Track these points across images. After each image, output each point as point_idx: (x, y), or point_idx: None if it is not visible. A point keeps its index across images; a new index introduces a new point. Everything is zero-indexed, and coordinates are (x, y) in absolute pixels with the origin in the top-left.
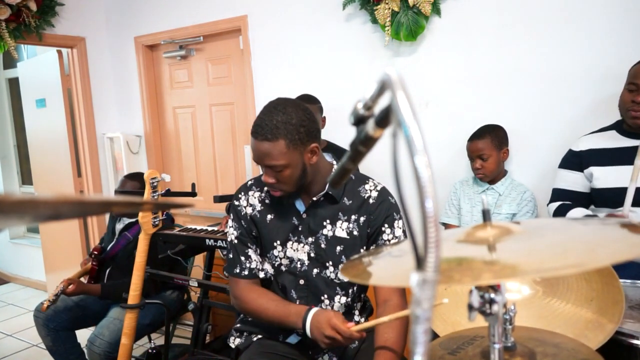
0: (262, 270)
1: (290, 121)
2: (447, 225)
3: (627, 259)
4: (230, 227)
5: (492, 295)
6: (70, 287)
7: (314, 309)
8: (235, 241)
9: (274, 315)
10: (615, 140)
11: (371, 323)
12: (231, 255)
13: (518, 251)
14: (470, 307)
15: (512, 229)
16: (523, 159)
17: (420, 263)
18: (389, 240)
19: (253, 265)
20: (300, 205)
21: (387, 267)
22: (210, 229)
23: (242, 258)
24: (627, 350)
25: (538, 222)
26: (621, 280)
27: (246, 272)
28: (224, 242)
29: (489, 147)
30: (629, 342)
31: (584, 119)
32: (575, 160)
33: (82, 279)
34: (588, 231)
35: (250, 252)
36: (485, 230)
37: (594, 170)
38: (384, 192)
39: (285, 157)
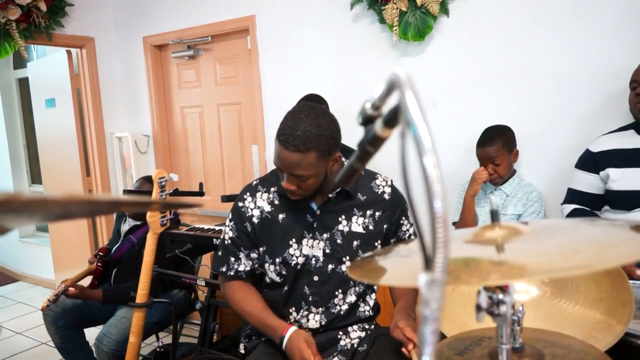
0: (271, 274)
1: (323, 133)
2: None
3: (636, 261)
4: (227, 226)
5: (500, 296)
6: (72, 290)
7: (292, 329)
8: (229, 242)
9: (255, 321)
10: (633, 141)
11: None
12: (220, 253)
13: (526, 252)
14: (479, 308)
15: (521, 230)
16: (532, 159)
17: (428, 263)
18: (408, 230)
19: (240, 268)
20: (313, 203)
21: (396, 267)
22: (217, 228)
23: (232, 259)
24: (636, 351)
25: (547, 223)
26: (630, 282)
27: (232, 273)
28: None
29: (500, 152)
30: (638, 343)
31: (593, 118)
32: (591, 162)
33: (87, 278)
34: (597, 232)
35: (242, 255)
36: (493, 231)
37: (611, 171)
38: (394, 186)
39: (313, 169)
